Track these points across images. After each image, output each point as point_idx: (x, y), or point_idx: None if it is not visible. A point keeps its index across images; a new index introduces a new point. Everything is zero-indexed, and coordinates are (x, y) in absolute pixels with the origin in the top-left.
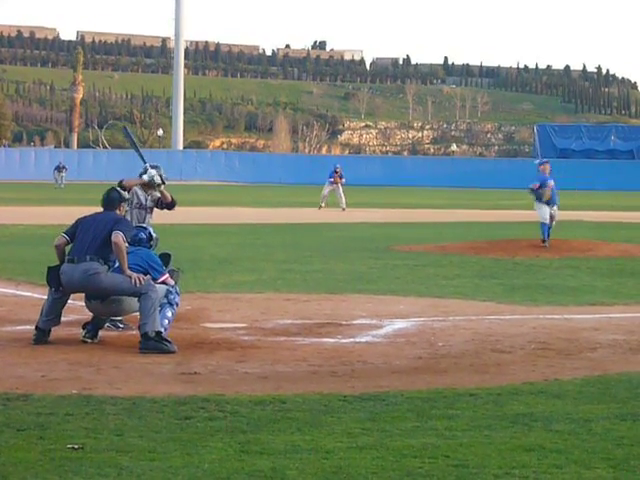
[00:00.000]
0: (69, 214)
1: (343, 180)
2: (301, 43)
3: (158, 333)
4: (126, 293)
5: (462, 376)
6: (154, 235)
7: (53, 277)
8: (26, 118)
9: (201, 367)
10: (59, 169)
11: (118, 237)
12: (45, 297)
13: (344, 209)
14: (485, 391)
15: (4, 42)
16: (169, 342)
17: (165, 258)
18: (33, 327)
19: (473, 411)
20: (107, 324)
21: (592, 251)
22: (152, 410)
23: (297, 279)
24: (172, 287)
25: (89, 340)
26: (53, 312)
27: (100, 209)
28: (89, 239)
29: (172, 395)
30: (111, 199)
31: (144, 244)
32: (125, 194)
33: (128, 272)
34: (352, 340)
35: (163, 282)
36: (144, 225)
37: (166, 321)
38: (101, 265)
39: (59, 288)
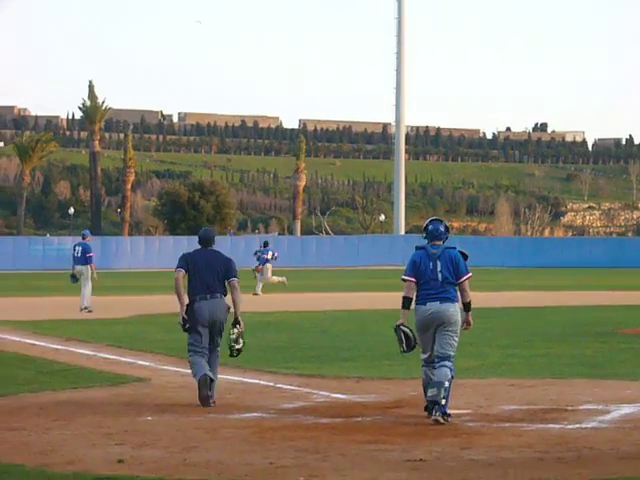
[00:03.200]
0: (290, 300)
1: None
2: (522, 126)
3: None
4: None
5: None
6: None
7: None
8: (250, 206)
9: (426, 454)
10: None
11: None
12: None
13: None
14: None
15: (229, 132)
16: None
17: None
18: (260, 415)
19: None
20: (437, 414)
21: None
22: None
23: (521, 364)
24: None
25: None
26: None
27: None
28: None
29: None
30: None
31: None
32: None
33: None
34: (578, 426)
35: None
36: None
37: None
38: None
39: None
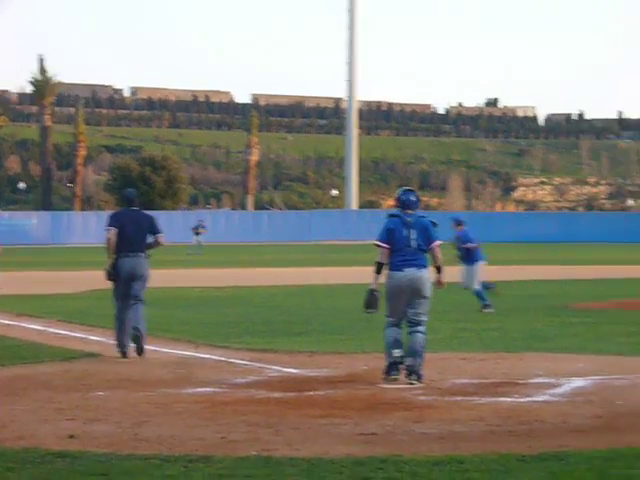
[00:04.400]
0: (242, 275)
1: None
2: (473, 101)
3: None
4: None
5: None
6: None
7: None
8: (202, 181)
9: (379, 427)
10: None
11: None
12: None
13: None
14: None
15: (181, 106)
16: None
17: None
18: (212, 389)
19: None
20: (413, 378)
21: None
22: (331, 471)
23: (473, 338)
24: None
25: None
26: None
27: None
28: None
29: (350, 456)
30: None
31: None
32: None
33: None
34: (530, 399)
35: None
36: None
37: None
38: None
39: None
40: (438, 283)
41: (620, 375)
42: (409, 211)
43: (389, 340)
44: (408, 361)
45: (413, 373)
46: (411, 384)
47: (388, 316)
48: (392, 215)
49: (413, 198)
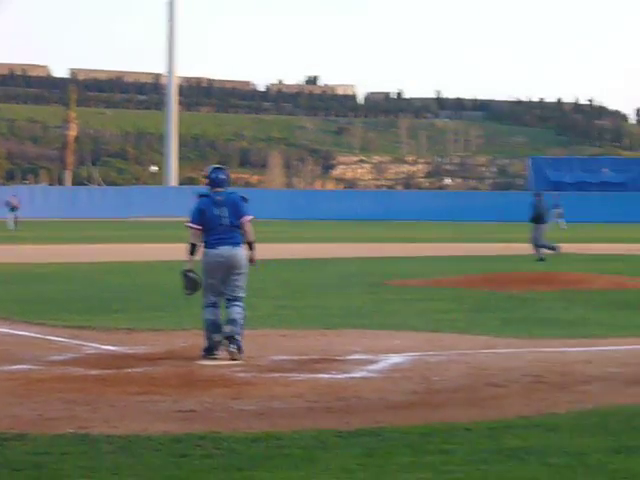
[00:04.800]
0: (60, 252)
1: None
2: (294, 78)
3: None
4: None
5: (457, 411)
6: None
7: None
8: (19, 156)
9: (197, 404)
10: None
11: None
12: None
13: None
14: (480, 425)
15: None
16: None
17: None
18: (28, 367)
19: (468, 446)
20: (233, 348)
21: (586, 284)
22: (148, 448)
23: (292, 315)
24: None
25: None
26: None
27: None
28: None
29: (168, 433)
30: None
31: None
32: None
33: None
34: (347, 375)
35: None
36: None
37: None
38: None
39: None
40: (250, 260)
41: (436, 351)
42: (219, 189)
43: (208, 323)
44: (227, 329)
45: (233, 342)
46: (232, 353)
47: (209, 296)
48: (202, 195)
49: (223, 176)
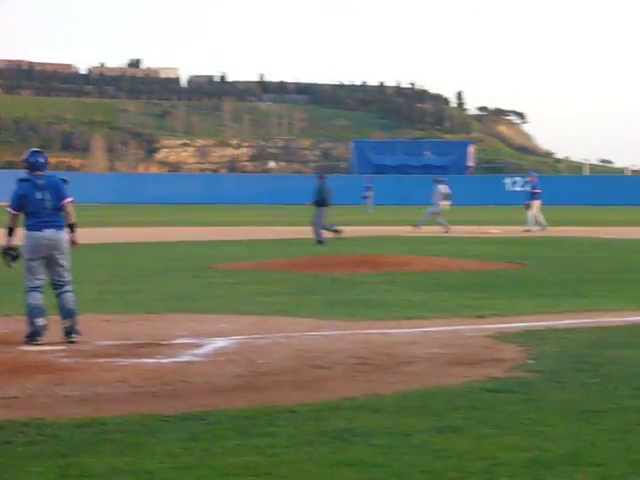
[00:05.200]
0: None
1: None
2: (116, 62)
3: None
4: None
5: (282, 393)
6: None
7: None
8: None
9: (19, 391)
10: None
11: None
12: None
13: None
14: (305, 407)
15: None
16: None
17: None
18: None
19: (294, 428)
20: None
21: (409, 266)
22: None
23: (116, 299)
24: None
25: None
26: None
27: None
28: None
29: None
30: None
31: None
32: None
33: None
34: (173, 360)
35: None
36: None
37: None
38: None
39: None
40: (72, 242)
41: (261, 335)
42: (39, 173)
43: (31, 308)
44: (66, 323)
45: (73, 333)
46: (72, 342)
47: (28, 279)
48: (22, 180)
49: (42, 160)
